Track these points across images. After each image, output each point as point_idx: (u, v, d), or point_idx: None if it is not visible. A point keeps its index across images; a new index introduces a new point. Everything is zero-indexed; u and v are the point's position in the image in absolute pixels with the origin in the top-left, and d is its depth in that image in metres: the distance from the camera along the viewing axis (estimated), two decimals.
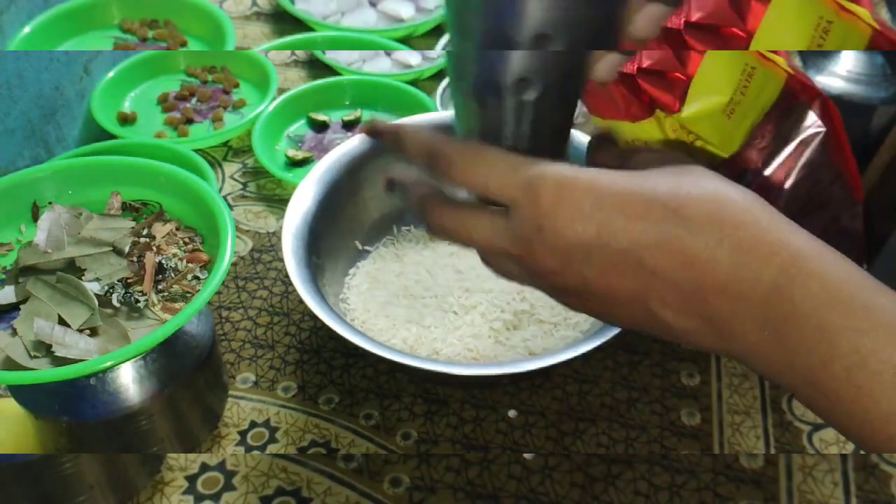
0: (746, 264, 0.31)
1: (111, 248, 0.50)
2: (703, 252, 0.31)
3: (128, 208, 0.54)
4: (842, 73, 0.63)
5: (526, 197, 0.33)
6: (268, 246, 0.68)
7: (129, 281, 0.49)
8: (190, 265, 0.50)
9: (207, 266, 0.50)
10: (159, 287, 0.49)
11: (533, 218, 0.33)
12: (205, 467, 0.52)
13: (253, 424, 0.54)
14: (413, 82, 0.82)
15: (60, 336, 0.44)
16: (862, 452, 0.52)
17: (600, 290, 0.33)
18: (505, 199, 0.34)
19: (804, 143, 0.49)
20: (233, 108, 0.80)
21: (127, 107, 0.80)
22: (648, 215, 0.32)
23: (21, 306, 0.47)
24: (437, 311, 0.58)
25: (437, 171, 0.37)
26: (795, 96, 0.50)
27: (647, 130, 0.50)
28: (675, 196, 0.32)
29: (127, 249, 0.50)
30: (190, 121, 0.78)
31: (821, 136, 0.49)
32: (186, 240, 0.52)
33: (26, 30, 0.75)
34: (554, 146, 0.37)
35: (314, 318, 0.53)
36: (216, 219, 0.50)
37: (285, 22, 0.93)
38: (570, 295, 0.35)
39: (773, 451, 0.52)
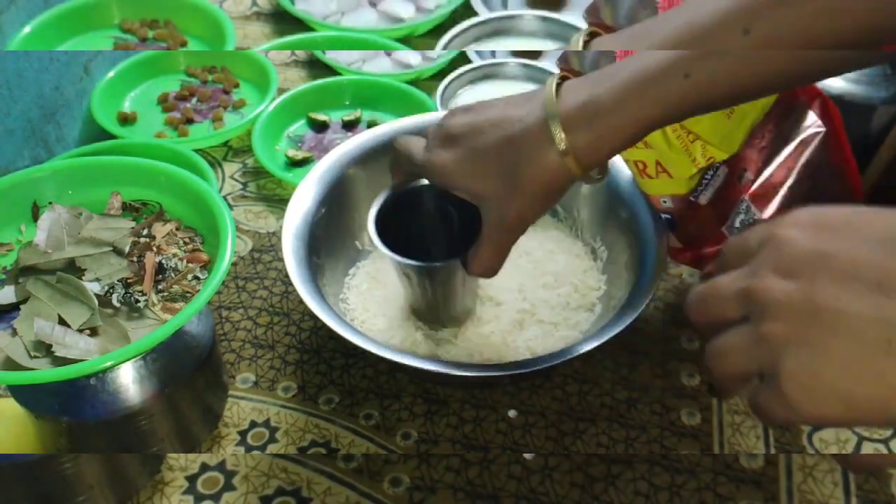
0: None
1: (111, 248, 0.50)
2: None
3: (128, 208, 0.54)
4: None
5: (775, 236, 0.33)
6: (268, 246, 0.68)
7: (129, 281, 0.49)
8: (190, 265, 0.50)
9: (207, 266, 0.50)
10: (159, 287, 0.49)
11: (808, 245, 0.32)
12: (205, 467, 0.52)
13: (253, 424, 0.54)
14: (413, 82, 0.82)
15: (60, 336, 0.44)
16: (863, 452, 0.52)
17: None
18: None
19: (804, 143, 0.49)
20: (233, 108, 0.80)
21: (127, 107, 0.80)
22: None
23: (21, 306, 0.47)
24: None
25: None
26: (795, 96, 0.50)
27: None
28: None
29: (127, 249, 0.50)
30: (190, 121, 0.78)
31: (821, 136, 0.49)
32: (186, 240, 0.52)
33: (26, 30, 0.75)
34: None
35: (314, 318, 0.53)
36: (216, 219, 0.50)
37: (285, 22, 0.93)
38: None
39: (773, 451, 0.52)
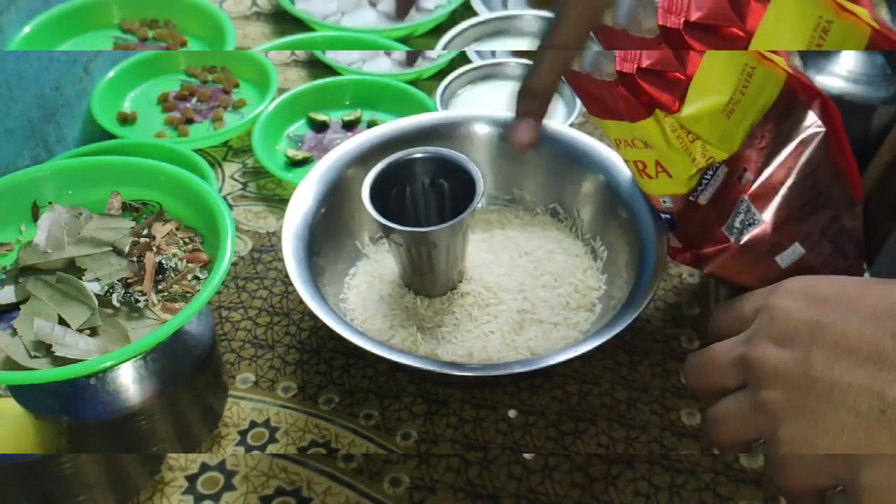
0: None
1: (111, 248, 0.50)
2: None
3: (128, 208, 0.54)
4: (842, 73, 0.63)
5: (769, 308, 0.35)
6: (268, 246, 0.68)
7: (129, 281, 0.49)
8: (190, 265, 0.50)
9: (207, 266, 0.50)
10: (159, 287, 0.49)
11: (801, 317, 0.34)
12: (205, 467, 0.52)
13: (253, 424, 0.54)
14: (413, 82, 0.82)
15: (60, 336, 0.44)
16: None
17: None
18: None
19: (804, 143, 0.49)
20: (233, 108, 0.80)
21: (127, 107, 0.80)
22: None
23: (21, 306, 0.47)
24: (437, 311, 0.58)
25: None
26: (795, 96, 0.50)
27: (646, 130, 0.49)
28: None
29: (127, 249, 0.50)
30: (190, 121, 0.78)
31: (821, 136, 0.49)
32: (186, 240, 0.52)
33: (26, 30, 0.75)
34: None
35: (314, 318, 0.53)
36: (216, 219, 0.50)
37: (285, 22, 0.93)
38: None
39: None
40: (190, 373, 0.49)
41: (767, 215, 0.49)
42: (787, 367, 0.33)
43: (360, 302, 0.59)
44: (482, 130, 0.65)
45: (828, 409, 0.32)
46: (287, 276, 0.54)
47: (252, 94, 0.82)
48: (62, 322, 0.46)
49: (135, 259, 0.50)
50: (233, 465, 0.52)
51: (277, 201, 0.72)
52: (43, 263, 0.49)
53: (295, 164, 0.74)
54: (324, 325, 0.50)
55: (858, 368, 0.31)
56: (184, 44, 0.84)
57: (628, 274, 0.56)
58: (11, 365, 0.44)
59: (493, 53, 0.87)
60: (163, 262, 0.50)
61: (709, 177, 0.51)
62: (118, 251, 0.50)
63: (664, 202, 0.54)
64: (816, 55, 0.65)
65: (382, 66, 0.85)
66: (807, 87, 0.49)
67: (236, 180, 0.74)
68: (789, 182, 0.49)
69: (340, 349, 0.59)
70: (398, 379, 0.57)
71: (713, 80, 0.48)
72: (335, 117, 0.80)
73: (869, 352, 0.31)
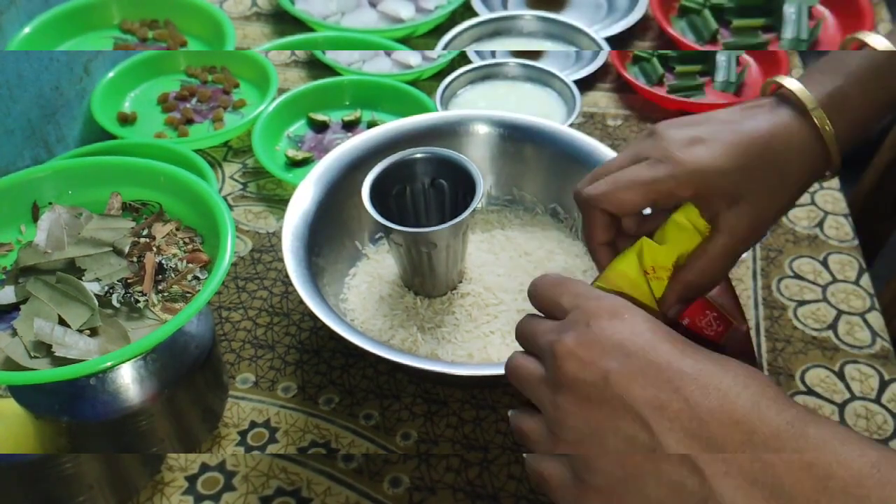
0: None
1: (111, 248, 0.50)
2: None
3: (128, 208, 0.54)
4: None
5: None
6: (268, 246, 0.68)
7: (129, 281, 0.49)
8: (190, 265, 0.50)
9: (207, 266, 0.50)
10: (159, 287, 0.49)
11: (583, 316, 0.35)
12: (205, 467, 0.52)
13: (253, 425, 0.54)
14: (413, 82, 0.82)
15: (60, 336, 0.44)
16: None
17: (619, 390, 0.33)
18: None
19: None
20: (233, 108, 0.80)
21: (127, 107, 0.80)
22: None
23: (21, 306, 0.47)
24: (437, 311, 0.58)
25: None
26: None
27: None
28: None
29: (127, 249, 0.50)
30: (190, 121, 0.78)
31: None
32: (186, 240, 0.52)
33: (26, 30, 0.75)
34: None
35: (314, 318, 0.53)
36: (216, 219, 0.50)
37: (285, 22, 0.93)
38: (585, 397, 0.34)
39: None
40: (190, 373, 0.49)
41: None
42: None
43: (360, 302, 0.59)
44: (482, 130, 0.65)
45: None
46: (287, 276, 0.54)
47: (252, 94, 0.82)
48: (62, 322, 0.46)
49: (135, 259, 0.50)
50: (233, 465, 0.52)
51: (277, 201, 0.72)
52: (43, 264, 0.49)
53: (295, 164, 0.74)
54: (324, 326, 0.50)
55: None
56: (184, 44, 0.84)
57: None
58: (11, 365, 0.44)
59: (493, 53, 0.87)
60: (163, 262, 0.50)
61: None
62: (118, 251, 0.50)
63: None
64: (816, 55, 0.65)
65: (382, 66, 0.85)
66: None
67: (236, 180, 0.74)
68: None
69: (340, 349, 0.59)
70: (398, 379, 0.57)
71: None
72: (335, 117, 0.80)
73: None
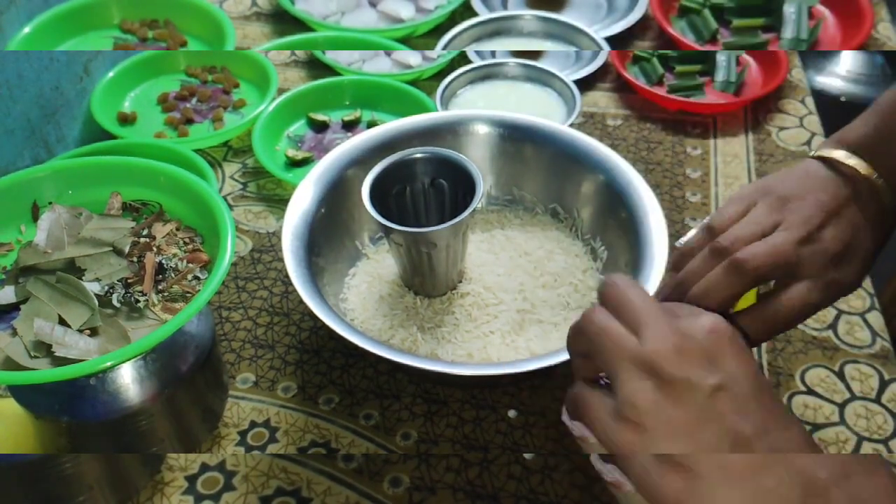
0: None
1: (111, 248, 0.50)
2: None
3: (128, 208, 0.54)
4: (841, 73, 0.63)
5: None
6: (268, 246, 0.68)
7: (129, 281, 0.49)
8: (190, 265, 0.50)
9: (207, 266, 0.50)
10: (159, 287, 0.49)
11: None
12: (205, 467, 0.52)
13: (253, 424, 0.54)
14: (413, 82, 0.82)
15: (60, 336, 0.44)
16: (863, 453, 0.52)
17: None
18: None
19: None
20: (233, 108, 0.80)
21: (127, 107, 0.80)
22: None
23: (21, 306, 0.47)
24: (437, 311, 0.58)
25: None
26: None
27: None
28: None
29: (127, 249, 0.50)
30: (190, 121, 0.78)
31: None
32: (186, 240, 0.52)
33: (26, 30, 0.75)
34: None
35: (314, 318, 0.53)
36: (216, 219, 0.50)
37: (285, 22, 0.93)
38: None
39: None
40: (190, 373, 0.49)
41: None
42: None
43: (360, 302, 0.59)
44: (482, 130, 0.65)
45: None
46: (287, 276, 0.54)
47: (252, 94, 0.82)
48: (62, 322, 0.46)
49: (135, 259, 0.50)
50: (233, 465, 0.52)
51: (277, 201, 0.72)
52: (43, 263, 0.49)
53: (295, 164, 0.74)
54: (324, 325, 0.50)
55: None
56: (184, 44, 0.84)
57: (628, 274, 0.56)
58: (11, 365, 0.44)
59: (493, 53, 0.87)
60: (163, 262, 0.50)
61: None
62: (118, 251, 0.50)
63: None
64: (816, 55, 0.65)
65: (382, 66, 0.85)
66: None
67: (236, 180, 0.74)
68: None
69: (340, 349, 0.59)
70: (398, 379, 0.57)
71: None
72: (335, 117, 0.80)
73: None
